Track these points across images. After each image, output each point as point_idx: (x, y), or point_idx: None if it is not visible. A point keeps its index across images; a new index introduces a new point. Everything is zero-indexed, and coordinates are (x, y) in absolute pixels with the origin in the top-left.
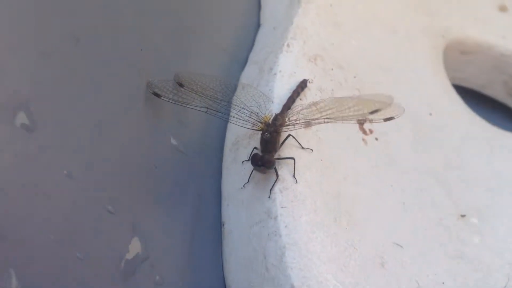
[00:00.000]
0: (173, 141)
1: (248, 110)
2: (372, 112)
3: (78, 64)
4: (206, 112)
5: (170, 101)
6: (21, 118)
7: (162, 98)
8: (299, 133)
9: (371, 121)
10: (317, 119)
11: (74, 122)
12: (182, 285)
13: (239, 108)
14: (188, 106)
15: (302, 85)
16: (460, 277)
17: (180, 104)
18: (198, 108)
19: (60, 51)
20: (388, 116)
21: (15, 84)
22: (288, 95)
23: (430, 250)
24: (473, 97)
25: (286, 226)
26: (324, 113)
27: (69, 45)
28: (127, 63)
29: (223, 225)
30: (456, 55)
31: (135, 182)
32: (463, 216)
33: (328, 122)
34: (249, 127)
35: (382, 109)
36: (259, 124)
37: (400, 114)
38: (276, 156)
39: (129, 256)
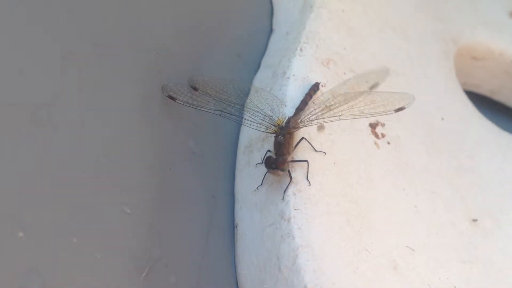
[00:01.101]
0: (188, 143)
1: (261, 113)
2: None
3: (96, 67)
4: (220, 115)
5: (185, 104)
6: (42, 119)
7: (177, 101)
8: (312, 136)
9: (381, 113)
10: (330, 117)
11: (92, 123)
12: (196, 286)
13: (253, 111)
14: (202, 109)
15: (315, 88)
16: (473, 281)
17: (194, 107)
18: (212, 111)
19: (78, 55)
20: (398, 106)
21: (37, 85)
22: (301, 98)
23: (443, 253)
24: (484, 103)
25: (299, 228)
26: (336, 110)
27: (87, 49)
28: (143, 66)
29: (236, 227)
30: (467, 61)
31: (151, 182)
32: (475, 220)
33: (341, 119)
34: (263, 130)
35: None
36: (273, 127)
37: (410, 103)
38: (289, 158)
39: (144, 255)
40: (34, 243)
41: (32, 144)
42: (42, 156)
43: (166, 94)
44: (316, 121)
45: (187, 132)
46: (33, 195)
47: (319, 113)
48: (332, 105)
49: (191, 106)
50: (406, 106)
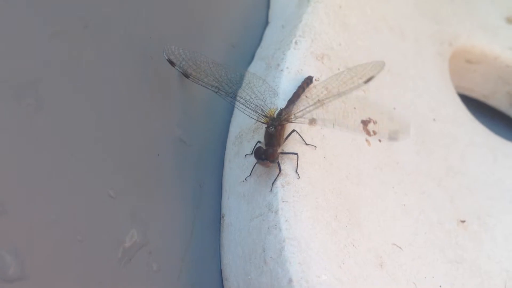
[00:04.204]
0: (177, 131)
1: (253, 103)
2: (366, 81)
3: (85, 48)
4: (216, 92)
5: (183, 72)
6: (29, 97)
7: (175, 67)
8: (304, 129)
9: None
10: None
11: (80, 104)
12: (179, 275)
13: (244, 100)
14: (199, 81)
15: (308, 81)
16: (458, 281)
17: (192, 77)
18: (209, 87)
19: (68, 35)
20: (368, 76)
21: (24, 63)
22: (294, 91)
23: (429, 253)
24: (477, 107)
25: (286, 221)
26: (326, 100)
27: (78, 29)
28: (135, 51)
29: (223, 217)
30: (461, 64)
31: (138, 168)
32: (463, 221)
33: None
34: (255, 118)
35: (374, 75)
36: (264, 117)
37: (379, 70)
38: (279, 150)
39: (127, 241)
40: (14, 223)
41: (16, 122)
42: (26, 135)
43: (167, 58)
44: (307, 119)
45: (177, 120)
46: (16, 174)
47: (312, 107)
48: (325, 99)
49: (190, 75)
50: (374, 75)
